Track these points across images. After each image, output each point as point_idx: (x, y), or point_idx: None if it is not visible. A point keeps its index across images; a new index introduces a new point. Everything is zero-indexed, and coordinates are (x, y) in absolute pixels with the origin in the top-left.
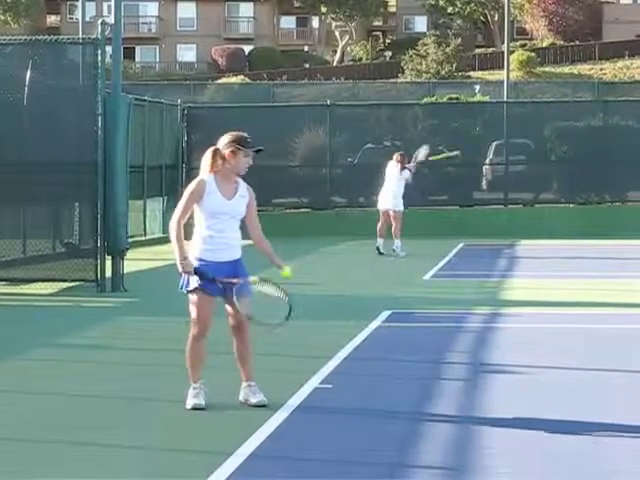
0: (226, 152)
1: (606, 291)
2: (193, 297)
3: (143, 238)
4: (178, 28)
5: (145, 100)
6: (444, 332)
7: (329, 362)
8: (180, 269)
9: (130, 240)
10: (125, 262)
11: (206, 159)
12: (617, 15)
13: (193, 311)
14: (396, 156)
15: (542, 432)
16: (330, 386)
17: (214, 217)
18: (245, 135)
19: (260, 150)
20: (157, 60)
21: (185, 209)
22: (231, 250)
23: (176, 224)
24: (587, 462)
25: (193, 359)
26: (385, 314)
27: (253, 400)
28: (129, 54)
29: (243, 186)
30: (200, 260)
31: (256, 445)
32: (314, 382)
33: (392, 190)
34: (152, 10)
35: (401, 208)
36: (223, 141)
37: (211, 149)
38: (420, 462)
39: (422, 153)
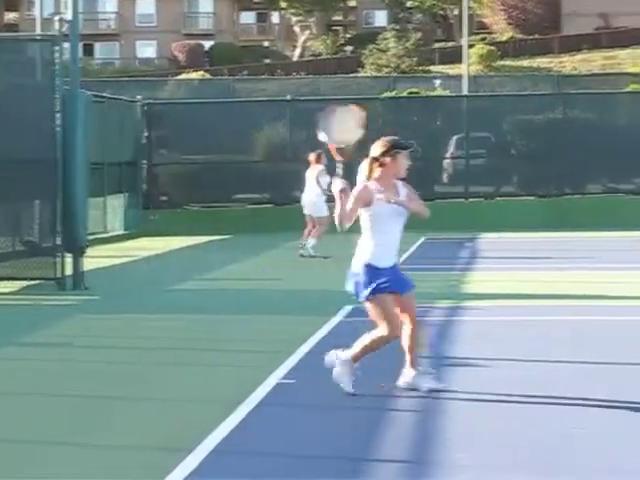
0: (386, 159)
1: (567, 283)
2: (376, 300)
3: (104, 235)
4: (137, 24)
5: (104, 97)
6: None
7: (292, 357)
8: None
9: (91, 237)
10: (86, 260)
11: (364, 168)
12: (575, 8)
13: (382, 314)
14: (312, 156)
15: (504, 424)
16: (293, 381)
17: (382, 222)
18: (397, 138)
19: (414, 149)
20: (117, 56)
21: (352, 212)
22: (393, 256)
23: (340, 225)
24: (548, 453)
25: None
26: (347, 309)
27: (428, 385)
28: (88, 51)
29: (400, 185)
30: (368, 266)
31: (218, 441)
32: (276, 377)
33: (312, 194)
34: (111, 6)
35: (322, 213)
36: (378, 149)
37: (368, 159)
38: (383, 455)
39: (337, 184)
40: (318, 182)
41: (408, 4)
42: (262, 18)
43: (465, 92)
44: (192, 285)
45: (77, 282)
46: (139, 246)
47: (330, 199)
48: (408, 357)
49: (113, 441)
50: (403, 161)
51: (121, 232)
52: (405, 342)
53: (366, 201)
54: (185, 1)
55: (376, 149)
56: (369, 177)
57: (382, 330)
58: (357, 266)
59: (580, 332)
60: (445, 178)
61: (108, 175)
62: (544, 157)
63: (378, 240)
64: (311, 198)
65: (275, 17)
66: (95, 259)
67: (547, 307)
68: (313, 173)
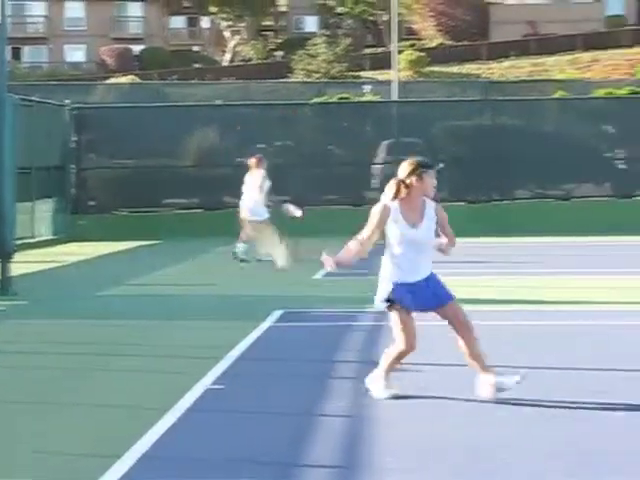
0: (412, 180)
1: (496, 288)
2: (396, 314)
3: (32, 240)
4: (66, 28)
5: (32, 101)
6: (336, 331)
7: (221, 363)
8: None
9: (18, 242)
10: (13, 265)
11: (390, 189)
12: (504, 15)
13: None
14: (252, 161)
15: (431, 429)
16: (222, 387)
17: (400, 244)
18: (422, 158)
19: (440, 169)
20: (45, 60)
21: (372, 230)
22: (421, 271)
23: (358, 241)
24: (475, 457)
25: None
26: (277, 314)
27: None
28: (16, 54)
29: (430, 206)
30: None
31: (147, 447)
32: (206, 383)
33: (252, 198)
34: (40, 10)
35: (260, 217)
36: (405, 170)
37: (395, 180)
38: (312, 461)
39: (293, 210)
40: (261, 187)
41: (338, 10)
42: (192, 23)
43: (395, 98)
44: (121, 290)
45: (5, 287)
46: (68, 251)
47: (269, 205)
48: (476, 365)
49: (41, 447)
50: (429, 181)
51: (49, 237)
52: (465, 353)
53: (384, 220)
54: (115, 5)
55: (403, 170)
56: (395, 197)
57: (398, 342)
58: (383, 278)
59: (512, 336)
60: (375, 184)
61: (36, 180)
62: (473, 163)
63: (396, 258)
64: (250, 202)
65: (205, 22)
66: (23, 264)
67: (481, 312)
68: (254, 178)
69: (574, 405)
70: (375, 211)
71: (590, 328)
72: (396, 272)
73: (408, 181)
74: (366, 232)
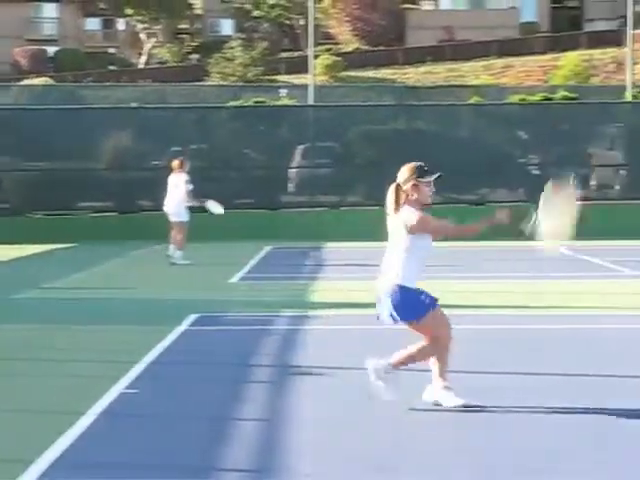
0: (408, 186)
1: None
2: (435, 313)
3: None
4: None
5: None
6: (251, 335)
7: (135, 367)
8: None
9: None
10: None
11: (390, 197)
12: (419, 21)
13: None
14: (175, 163)
15: (344, 433)
16: (136, 391)
17: (425, 254)
18: (422, 164)
19: (440, 176)
20: None
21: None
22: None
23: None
24: (388, 461)
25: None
26: (192, 317)
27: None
28: None
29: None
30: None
31: (59, 452)
32: (120, 387)
33: (175, 200)
34: None
35: (183, 219)
36: (403, 175)
37: (393, 186)
38: (225, 464)
39: (214, 207)
40: (186, 189)
41: (255, 13)
42: (108, 24)
43: (311, 102)
44: (36, 294)
45: None
46: None
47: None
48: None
49: None
50: (425, 190)
51: None
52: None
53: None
54: (29, 6)
55: (401, 175)
56: (397, 204)
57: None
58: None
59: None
60: (291, 187)
61: None
62: (388, 167)
63: (420, 265)
64: (173, 204)
65: (121, 24)
66: None
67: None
68: (177, 179)
69: (473, 410)
70: (423, 216)
71: (490, 332)
72: (415, 278)
73: (404, 187)
74: (444, 228)
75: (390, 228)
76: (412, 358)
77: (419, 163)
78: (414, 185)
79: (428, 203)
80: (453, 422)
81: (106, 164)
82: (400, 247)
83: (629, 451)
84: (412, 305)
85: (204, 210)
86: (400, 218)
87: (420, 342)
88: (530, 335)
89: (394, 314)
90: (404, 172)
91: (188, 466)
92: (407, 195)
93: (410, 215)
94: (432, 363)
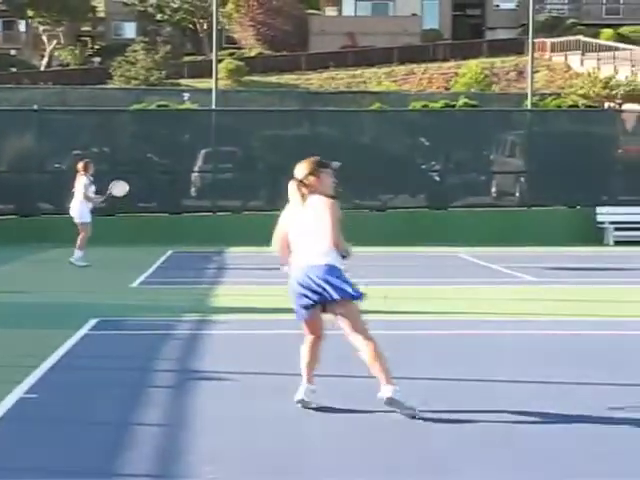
0: (311, 179)
1: None
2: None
3: None
4: None
5: None
6: (153, 339)
7: (34, 372)
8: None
9: None
10: None
11: (293, 192)
12: (323, 27)
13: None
14: (80, 165)
15: (246, 436)
16: (35, 396)
17: None
18: (319, 158)
19: (340, 165)
20: None
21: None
22: None
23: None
24: (291, 462)
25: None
26: (92, 322)
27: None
28: None
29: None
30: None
31: None
32: (18, 392)
33: (77, 200)
34: None
35: (85, 219)
36: (302, 170)
37: (293, 182)
38: (125, 470)
39: (118, 189)
40: (86, 190)
41: (158, 17)
42: (9, 26)
43: (214, 106)
44: None
45: None
46: None
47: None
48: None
49: None
50: (329, 180)
51: None
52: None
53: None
54: None
55: (300, 171)
56: (302, 197)
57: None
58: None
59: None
60: (193, 192)
61: None
62: (291, 172)
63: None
64: (76, 205)
65: (22, 25)
66: None
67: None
68: (80, 181)
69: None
70: (336, 211)
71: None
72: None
73: (306, 181)
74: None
75: (299, 221)
76: (374, 365)
77: (317, 157)
78: (316, 177)
79: (331, 194)
80: (366, 422)
81: (6, 167)
82: (323, 231)
83: (503, 451)
84: (350, 283)
85: (109, 214)
86: (311, 205)
87: (359, 350)
88: (420, 340)
89: (346, 289)
90: (303, 167)
91: (86, 472)
92: (310, 187)
93: (322, 198)
94: (305, 356)
